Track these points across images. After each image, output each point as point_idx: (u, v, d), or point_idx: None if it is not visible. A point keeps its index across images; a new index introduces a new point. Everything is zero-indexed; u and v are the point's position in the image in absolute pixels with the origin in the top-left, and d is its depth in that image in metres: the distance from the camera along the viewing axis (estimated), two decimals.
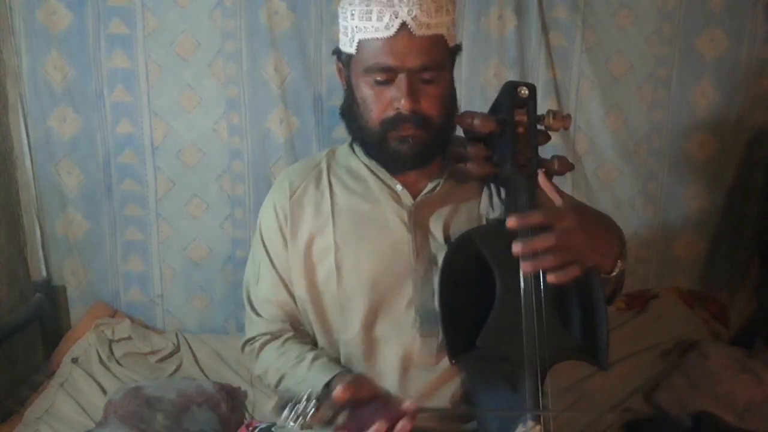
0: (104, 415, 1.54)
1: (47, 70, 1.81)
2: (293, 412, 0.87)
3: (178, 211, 1.92)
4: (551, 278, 0.93)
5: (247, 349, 1.22)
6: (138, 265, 1.95)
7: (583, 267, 0.94)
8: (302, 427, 0.88)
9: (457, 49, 1.11)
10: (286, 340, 1.17)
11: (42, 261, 1.93)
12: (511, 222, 0.93)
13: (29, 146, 1.85)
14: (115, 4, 1.79)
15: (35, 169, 1.87)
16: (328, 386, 1.04)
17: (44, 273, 1.93)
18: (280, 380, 1.15)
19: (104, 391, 1.68)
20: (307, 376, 1.08)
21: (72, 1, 1.78)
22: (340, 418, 0.90)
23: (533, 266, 0.93)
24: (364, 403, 0.93)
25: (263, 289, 1.20)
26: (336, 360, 1.14)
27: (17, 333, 1.78)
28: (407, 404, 0.93)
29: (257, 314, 1.20)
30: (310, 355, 1.11)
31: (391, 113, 1.05)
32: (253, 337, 1.20)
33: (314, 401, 0.88)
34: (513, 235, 0.96)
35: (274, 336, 1.18)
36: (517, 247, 0.93)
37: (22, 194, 1.87)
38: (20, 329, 1.79)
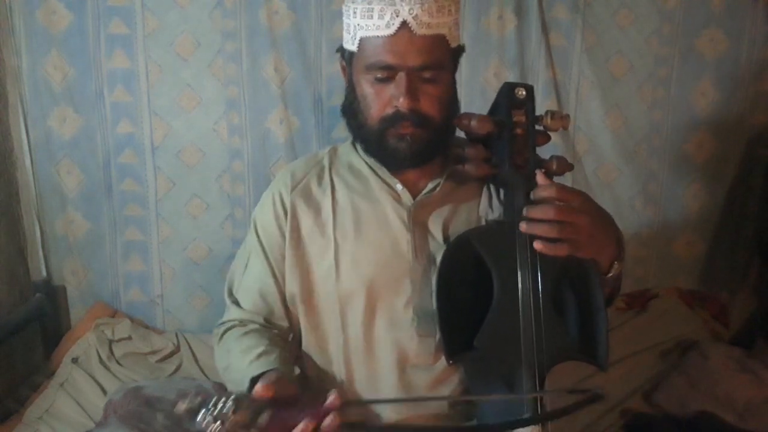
0: (104, 415, 1.54)
1: (47, 70, 1.81)
2: (209, 415, 0.78)
3: (178, 211, 1.92)
4: (537, 245, 0.94)
5: (215, 331, 1.22)
6: (138, 265, 1.95)
7: (573, 251, 0.95)
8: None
9: (460, 50, 1.11)
10: (250, 331, 1.15)
11: (42, 261, 1.93)
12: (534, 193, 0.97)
13: (29, 146, 1.85)
14: (115, 4, 1.79)
15: (35, 169, 1.87)
16: (254, 382, 1.02)
17: (44, 273, 1.93)
18: (225, 369, 1.15)
19: (104, 391, 1.68)
20: (247, 369, 1.06)
21: (72, 1, 1.78)
22: (262, 419, 0.82)
23: (528, 228, 0.95)
24: (287, 402, 0.87)
25: (248, 278, 1.20)
26: (285, 357, 1.10)
27: (17, 333, 1.78)
28: (332, 399, 0.87)
29: (233, 302, 1.21)
30: (259, 350, 1.08)
31: (390, 111, 1.05)
32: (224, 322, 1.21)
33: (232, 402, 0.79)
34: (511, 236, 0.96)
35: (242, 324, 1.18)
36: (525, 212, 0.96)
37: (22, 194, 1.87)
38: (20, 329, 1.79)
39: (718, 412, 1.52)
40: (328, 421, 0.85)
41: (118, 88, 1.84)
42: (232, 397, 0.80)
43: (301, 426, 0.84)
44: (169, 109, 1.86)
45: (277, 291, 1.17)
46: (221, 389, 1.64)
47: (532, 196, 0.97)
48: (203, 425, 0.78)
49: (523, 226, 0.96)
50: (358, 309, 1.11)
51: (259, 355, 1.08)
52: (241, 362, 1.09)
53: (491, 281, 0.99)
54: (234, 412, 0.79)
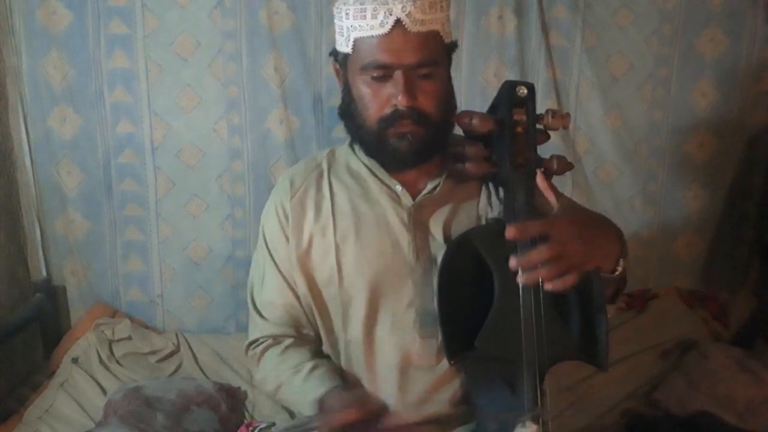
0: (104, 415, 1.54)
1: (47, 70, 1.81)
2: None
3: (178, 211, 1.92)
4: (549, 287, 0.92)
5: (250, 352, 1.22)
6: (138, 265, 1.95)
7: (582, 274, 0.93)
8: None
9: (454, 46, 1.11)
10: (288, 347, 1.17)
11: (42, 261, 1.92)
12: (510, 233, 0.92)
13: (29, 146, 1.85)
14: (115, 4, 1.79)
15: (35, 169, 1.87)
16: (321, 402, 1.05)
17: (44, 273, 1.93)
18: (278, 388, 1.15)
19: (104, 391, 1.68)
20: (303, 387, 1.09)
21: (72, 1, 1.78)
22: None
23: (529, 279, 0.92)
24: (358, 426, 0.92)
25: (267, 292, 1.20)
26: (334, 369, 1.13)
27: (17, 333, 1.78)
28: (385, 420, 0.92)
29: (261, 316, 1.20)
30: (309, 365, 1.11)
31: (388, 110, 1.05)
32: (256, 340, 1.21)
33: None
34: None
35: (276, 341, 1.18)
36: (513, 262, 0.91)
37: (22, 194, 1.87)
38: (20, 329, 1.79)
39: (718, 412, 1.52)
40: None
41: (118, 88, 1.84)
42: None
43: None
44: (169, 109, 1.86)
45: (298, 301, 1.17)
46: (221, 389, 1.64)
47: (507, 234, 0.92)
48: None
49: (523, 279, 0.92)
50: (359, 311, 1.11)
51: (310, 371, 1.10)
52: (293, 381, 1.11)
53: (492, 281, 0.99)
54: None
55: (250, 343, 1.22)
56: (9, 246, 1.81)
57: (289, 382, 1.12)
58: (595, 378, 1.65)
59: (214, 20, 1.81)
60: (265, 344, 1.19)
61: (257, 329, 1.21)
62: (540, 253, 0.91)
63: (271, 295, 1.19)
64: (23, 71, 1.81)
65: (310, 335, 1.19)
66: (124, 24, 1.80)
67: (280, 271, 1.18)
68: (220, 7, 1.81)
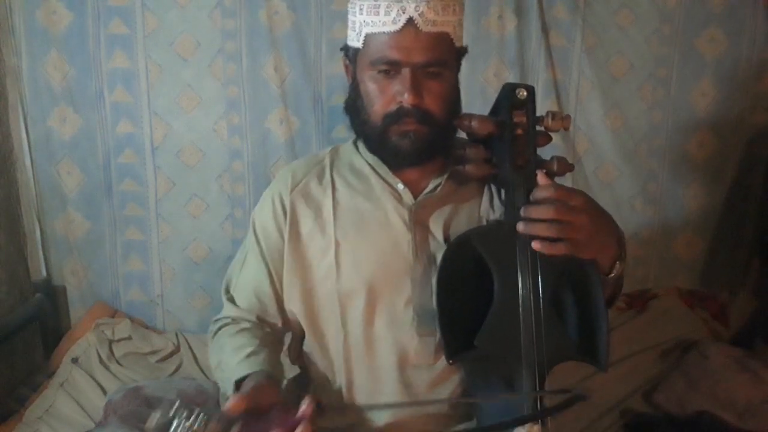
0: (104, 415, 1.54)
1: (47, 70, 1.81)
2: (180, 428, 0.79)
3: (178, 211, 1.92)
4: (536, 245, 0.94)
5: (211, 327, 1.22)
6: (138, 265, 1.95)
7: (574, 250, 0.94)
8: None
9: (464, 50, 1.12)
10: (242, 329, 1.16)
11: (42, 261, 1.93)
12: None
13: (29, 146, 1.85)
14: (115, 4, 1.79)
15: (35, 169, 1.87)
16: (238, 384, 1.03)
17: (44, 273, 1.93)
18: (216, 366, 1.14)
19: (104, 391, 1.68)
20: (235, 368, 1.07)
21: (72, 1, 1.78)
22: None
23: (526, 228, 0.95)
24: (260, 413, 0.87)
25: (244, 276, 1.20)
26: (277, 358, 1.12)
27: (17, 333, 1.78)
28: (304, 408, 0.88)
29: (229, 299, 1.21)
30: (249, 349, 1.09)
31: (393, 107, 1.06)
32: (219, 318, 1.21)
33: (203, 416, 0.80)
34: (512, 236, 0.97)
35: (235, 321, 1.18)
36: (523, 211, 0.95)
37: (22, 194, 1.87)
38: (20, 329, 1.79)
39: (718, 412, 1.53)
40: (299, 430, 0.85)
41: (118, 88, 1.84)
42: (203, 412, 0.80)
43: None
44: (169, 109, 1.86)
45: (272, 291, 1.17)
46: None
47: (531, 198, 0.97)
48: None
49: (521, 227, 0.95)
50: (358, 308, 1.11)
51: (248, 355, 1.08)
52: (230, 361, 1.09)
53: (492, 281, 0.99)
54: (206, 425, 0.80)
55: (214, 321, 1.22)
56: (9, 246, 1.81)
57: (227, 362, 1.11)
58: (595, 378, 1.65)
59: (214, 20, 1.82)
60: (223, 323, 1.19)
61: (224, 310, 1.21)
62: (544, 210, 0.94)
63: (246, 279, 1.19)
64: (23, 71, 1.81)
65: (275, 324, 1.19)
66: (124, 24, 1.81)
67: (263, 258, 1.17)
68: (220, 7, 1.81)
